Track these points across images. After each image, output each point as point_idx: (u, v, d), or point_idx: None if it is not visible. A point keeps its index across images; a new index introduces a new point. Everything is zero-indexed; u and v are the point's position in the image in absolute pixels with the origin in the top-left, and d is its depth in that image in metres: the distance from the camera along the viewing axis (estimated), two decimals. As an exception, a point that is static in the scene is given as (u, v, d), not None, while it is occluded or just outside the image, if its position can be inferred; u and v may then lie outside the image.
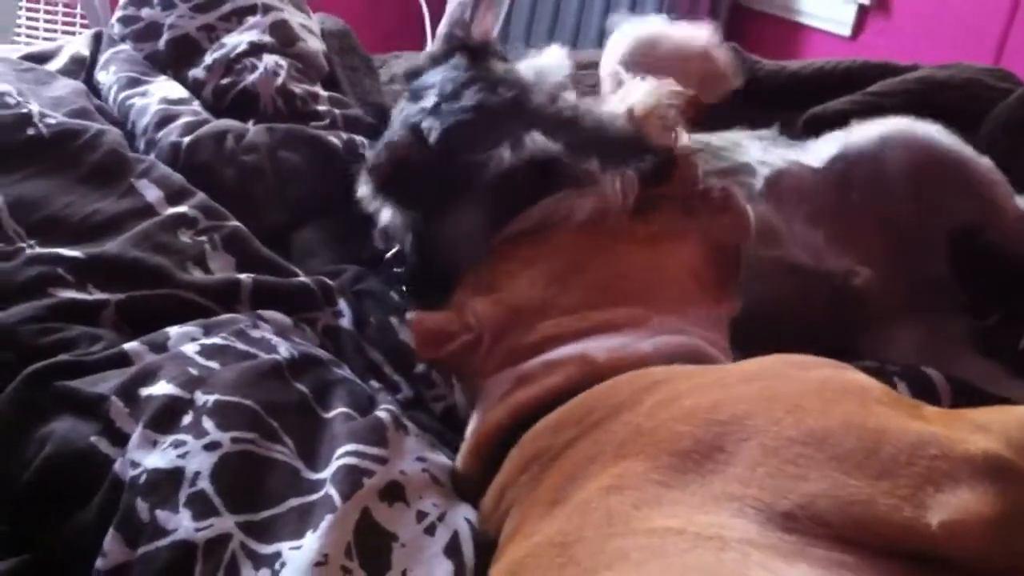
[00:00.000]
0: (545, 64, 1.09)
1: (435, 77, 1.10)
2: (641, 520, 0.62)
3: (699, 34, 1.40)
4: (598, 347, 0.84)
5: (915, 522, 0.56)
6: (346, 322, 1.10)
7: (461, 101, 1.04)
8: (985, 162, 1.22)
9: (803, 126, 1.49)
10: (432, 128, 1.04)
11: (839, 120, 1.45)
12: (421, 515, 0.78)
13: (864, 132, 1.23)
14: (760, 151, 1.24)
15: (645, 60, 1.29)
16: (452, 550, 0.76)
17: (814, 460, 0.60)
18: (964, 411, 0.66)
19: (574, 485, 0.69)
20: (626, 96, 1.07)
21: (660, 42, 1.36)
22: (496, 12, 1.78)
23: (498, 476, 0.79)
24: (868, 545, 0.57)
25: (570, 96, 1.07)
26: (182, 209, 1.12)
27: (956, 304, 1.23)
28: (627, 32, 1.39)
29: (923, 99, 1.50)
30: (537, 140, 0.99)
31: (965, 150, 1.22)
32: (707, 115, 1.12)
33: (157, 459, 0.77)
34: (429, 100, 1.06)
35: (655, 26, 1.37)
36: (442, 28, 1.22)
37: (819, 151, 1.24)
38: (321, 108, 1.42)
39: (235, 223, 1.14)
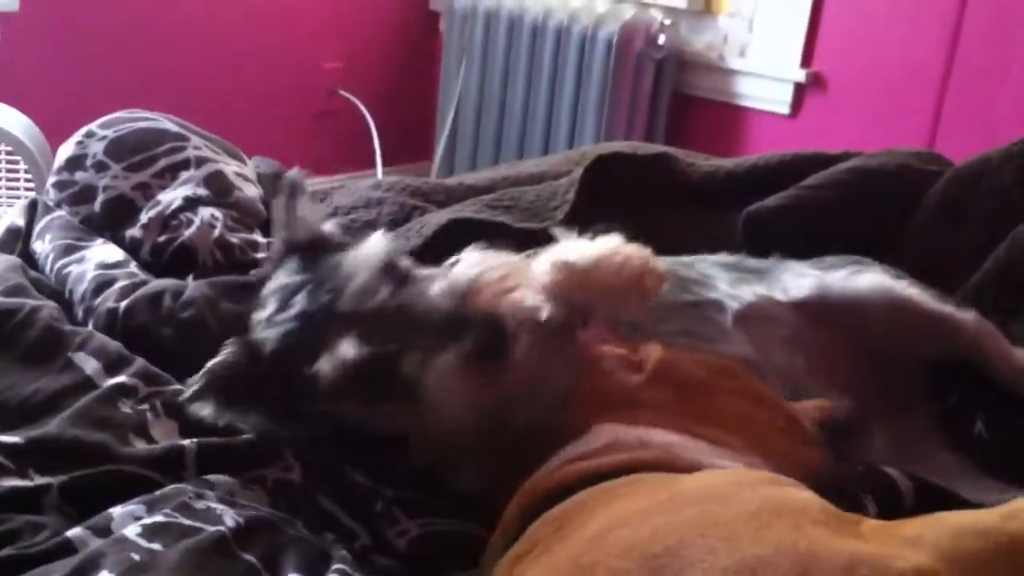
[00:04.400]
0: (364, 255, 1.05)
1: (275, 283, 1.08)
2: None
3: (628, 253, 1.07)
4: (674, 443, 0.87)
5: None
6: (296, 474, 1.09)
7: (290, 310, 1.03)
8: (970, 316, 1.23)
9: (743, 226, 1.51)
10: (266, 340, 1.04)
11: (778, 219, 1.49)
12: None
13: (842, 280, 1.24)
14: (728, 285, 1.25)
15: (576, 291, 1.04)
16: None
17: None
18: (899, 524, 0.68)
19: None
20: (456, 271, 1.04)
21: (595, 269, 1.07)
22: (321, 197, 1.64)
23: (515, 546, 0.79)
24: None
25: (385, 290, 1.01)
26: (121, 379, 1.12)
27: (922, 394, 1.24)
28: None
29: (857, 190, 1.53)
30: (348, 349, 0.97)
31: (946, 309, 1.23)
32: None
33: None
34: (268, 309, 1.06)
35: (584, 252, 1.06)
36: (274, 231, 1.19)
37: (789, 285, 1.25)
38: (260, 255, 1.43)
39: (176, 387, 1.13)
